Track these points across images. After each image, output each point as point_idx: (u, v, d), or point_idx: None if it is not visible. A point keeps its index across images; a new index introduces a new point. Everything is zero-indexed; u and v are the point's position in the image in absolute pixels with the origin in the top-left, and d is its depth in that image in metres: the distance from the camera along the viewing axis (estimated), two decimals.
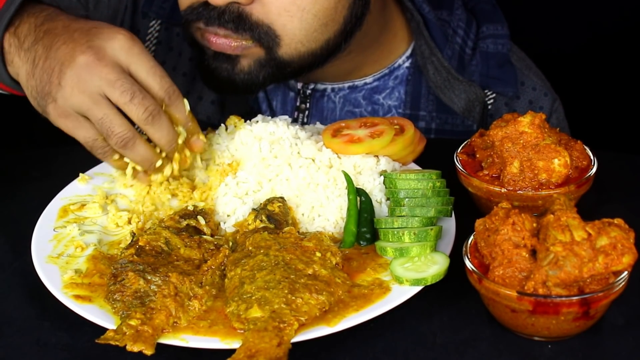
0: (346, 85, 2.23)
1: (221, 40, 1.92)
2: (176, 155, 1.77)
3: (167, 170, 1.78)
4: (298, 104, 2.24)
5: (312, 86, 2.23)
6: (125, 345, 1.40)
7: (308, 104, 2.24)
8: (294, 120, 2.24)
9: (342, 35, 1.99)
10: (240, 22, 1.87)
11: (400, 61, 2.23)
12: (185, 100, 1.74)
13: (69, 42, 1.65)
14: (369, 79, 2.23)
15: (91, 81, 1.61)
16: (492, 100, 2.19)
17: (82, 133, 1.67)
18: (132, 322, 1.44)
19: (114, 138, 1.64)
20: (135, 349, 1.40)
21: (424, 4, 2.17)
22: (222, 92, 2.16)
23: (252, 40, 1.91)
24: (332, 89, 2.24)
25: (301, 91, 2.24)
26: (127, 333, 1.42)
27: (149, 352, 1.40)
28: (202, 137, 1.80)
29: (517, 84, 2.21)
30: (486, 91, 2.20)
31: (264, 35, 1.89)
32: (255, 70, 1.96)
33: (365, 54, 2.16)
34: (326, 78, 2.20)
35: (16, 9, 1.75)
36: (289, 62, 1.95)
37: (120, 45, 1.64)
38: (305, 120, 2.25)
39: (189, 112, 1.75)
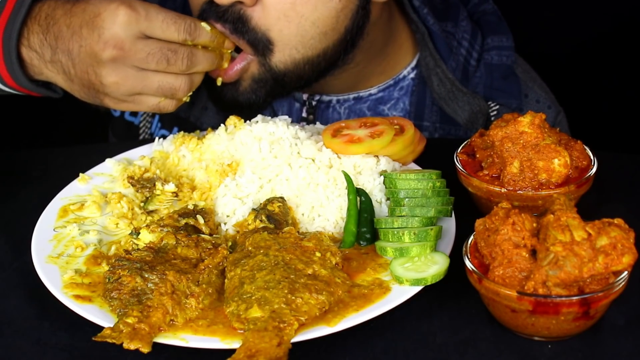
0: (351, 96, 2.25)
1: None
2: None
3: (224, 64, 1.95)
4: (304, 115, 2.26)
5: (317, 97, 2.25)
6: (122, 343, 1.40)
7: (313, 115, 2.26)
8: None
9: (342, 45, 2.01)
10: (239, 23, 1.90)
11: (405, 72, 2.25)
12: (203, 24, 1.85)
13: (82, 41, 1.76)
14: (373, 90, 2.25)
15: (127, 70, 1.76)
16: (495, 112, 2.20)
17: (144, 107, 1.84)
18: (129, 320, 1.44)
19: (178, 66, 1.79)
20: (132, 346, 1.40)
21: (428, 16, 2.19)
22: (228, 111, 2.18)
23: (247, 45, 1.93)
24: (337, 100, 2.25)
25: (307, 102, 2.25)
26: (124, 331, 1.42)
27: (145, 349, 1.41)
28: (228, 42, 1.93)
29: (521, 96, 2.23)
30: (489, 103, 2.20)
31: (258, 41, 1.92)
32: (256, 89, 2.00)
33: (371, 65, 2.18)
34: (332, 90, 2.22)
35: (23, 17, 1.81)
36: (284, 71, 1.97)
37: (125, 23, 1.73)
38: None
39: (211, 29, 1.87)
